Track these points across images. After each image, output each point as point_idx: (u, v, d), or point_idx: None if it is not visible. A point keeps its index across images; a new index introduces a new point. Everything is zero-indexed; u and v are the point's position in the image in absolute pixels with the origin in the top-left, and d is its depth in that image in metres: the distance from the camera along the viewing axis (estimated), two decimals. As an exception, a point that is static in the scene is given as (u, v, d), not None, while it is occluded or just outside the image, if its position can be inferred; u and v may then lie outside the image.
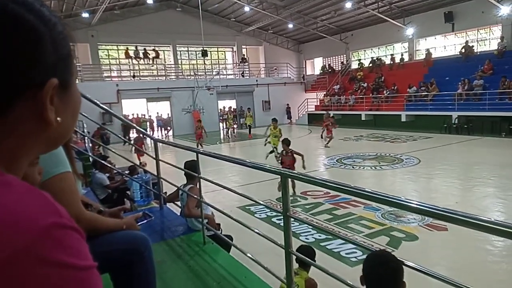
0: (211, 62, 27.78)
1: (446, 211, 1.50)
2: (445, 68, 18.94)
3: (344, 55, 26.90)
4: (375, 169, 10.36)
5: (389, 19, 21.14)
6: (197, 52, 25.39)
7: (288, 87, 27.95)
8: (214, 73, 25.15)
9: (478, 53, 18.56)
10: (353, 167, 10.73)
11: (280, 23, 25.38)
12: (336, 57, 27.78)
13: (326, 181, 2.13)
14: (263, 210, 6.69)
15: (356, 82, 23.76)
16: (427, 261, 4.53)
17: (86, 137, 7.08)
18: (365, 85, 22.85)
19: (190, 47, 26.15)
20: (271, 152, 11.62)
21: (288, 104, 27.41)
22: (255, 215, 6.66)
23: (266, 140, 12.22)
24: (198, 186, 3.67)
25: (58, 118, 0.51)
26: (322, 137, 16.04)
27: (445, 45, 20.85)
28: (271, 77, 28.17)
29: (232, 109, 26.44)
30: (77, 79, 0.60)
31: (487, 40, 19.03)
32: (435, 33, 20.68)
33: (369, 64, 24.43)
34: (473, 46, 18.89)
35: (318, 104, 25.84)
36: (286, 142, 7.99)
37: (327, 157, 12.64)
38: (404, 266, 1.67)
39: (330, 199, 7.22)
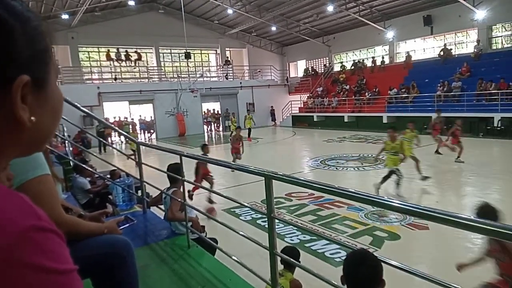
0: (195, 64, 27.66)
1: (427, 209, 1.53)
2: (424, 71, 19.41)
3: (327, 58, 27.22)
4: (358, 170, 10.51)
5: (370, 23, 21.53)
6: (180, 55, 25.25)
7: (272, 89, 28.09)
8: (197, 75, 25.04)
9: (456, 55, 19.10)
10: (336, 168, 10.86)
11: (263, 25, 25.50)
12: (319, 59, 28.09)
13: (310, 182, 2.14)
14: (248, 212, 6.69)
15: (339, 85, 24.07)
16: (409, 259, 4.62)
17: (66, 141, 6.92)
18: (348, 87, 23.18)
19: (173, 49, 26.00)
20: (392, 176, 7.50)
21: (272, 107, 27.56)
22: (240, 217, 6.64)
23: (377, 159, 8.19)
24: (182, 189, 3.64)
25: (32, 118, 0.48)
26: (438, 152, 11.69)
27: (424, 48, 21.37)
28: (255, 79, 28.24)
29: (216, 112, 26.43)
30: (57, 78, 0.58)
31: (464, 43, 19.60)
32: (414, 36, 21.17)
33: (351, 66, 24.81)
34: (451, 49, 19.43)
35: (302, 106, 26.04)
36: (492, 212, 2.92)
37: (311, 159, 12.74)
38: (385, 265, 1.69)
39: (315, 200, 7.28)
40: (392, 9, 20.95)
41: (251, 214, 6.58)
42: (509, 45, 17.57)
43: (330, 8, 20.20)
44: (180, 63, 26.46)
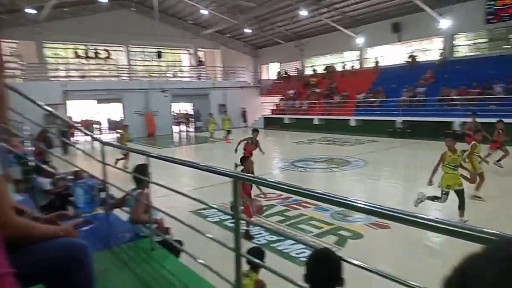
0: (167, 64, 27.24)
1: (388, 210, 1.58)
2: (391, 76, 20.10)
3: (299, 61, 27.59)
4: (325, 171, 10.71)
5: (341, 28, 22.04)
6: (152, 54, 24.81)
7: (244, 91, 28.12)
8: (169, 75, 24.68)
9: (421, 62, 19.89)
10: (305, 170, 11.01)
11: (237, 27, 25.51)
12: (292, 63, 28.44)
13: (276, 183, 2.15)
14: (216, 214, 6.64)
15: (310, 88, 24.45)
16: (371, 258, 4.75)
17: (26, 140, 6.60)
18: (318, 90, 23.59)
19: (145, 48, 25.48)
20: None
21: (244, 108, 27.57)
22: (208, 218, 6.59)
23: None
24: (147, 191, 3.55)
25: None
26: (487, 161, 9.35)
27: (392, 54, 22.11)
28: (228, 80, 28.19)
29: (187, 112, 26.18)
30: (2, 73, 0.53)
31: (429, 51, 20.45)
32: (383, 43, 21.87)
33: (323, 70, 25.28)
34: (416, 56, 20.21)
35: (275, 108, 26.24)
36: None
37: (281, 160, 12.85)
38: (347, 263, 1.72)
39: (283, 201, 7.35)
40: (363, 15, 21.56)
41: (218, 216, 6.54)
42: (470, 54, 18.52)
43: (304, 13, 20.49)
44: (151, 62, 25.98)
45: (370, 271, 1.65)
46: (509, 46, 17.09)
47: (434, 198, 6.22)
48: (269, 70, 31.19)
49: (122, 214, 4.17)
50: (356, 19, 22.10)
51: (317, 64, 26.72)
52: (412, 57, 20.09)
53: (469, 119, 12.44)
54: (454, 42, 19.03)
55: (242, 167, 5.95)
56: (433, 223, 1.34)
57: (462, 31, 18.51)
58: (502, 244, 0.50)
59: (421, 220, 1.38)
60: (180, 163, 3.52)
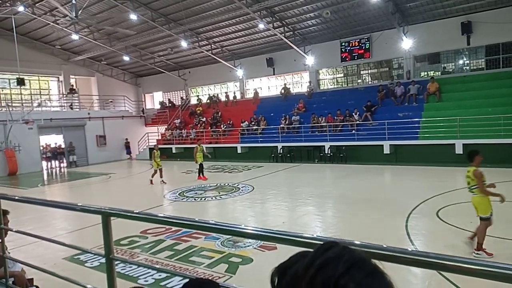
0: (31, 92, 24.13)
1: (273, 232, 1.64)
2: (270, 106, 21.78)
3: (183, 91, 27.66)
4: (215, 199, 10.75)
5: (221, 61, 23.05)
6: (12, 80, 21.69)
7: (126, 120, 26.67)
8: (34, 104, 21.83)
9: (294, 93, 22.10)
10: (195, 199, 10.85)
11: (114, 54, 24.32)
12: (176, 92, 28.30)
13: (150, 215, 2.03)
14: (95, 258, 5.93)
15: (196, 117, 24.63)
16: (260, 282, 4.83)
17: None
18: (204, 119, 23.92)
19: (2, 74, 22.13)
20: None
21: (127, 139, 26.04)
22: (86, 264, 5.83)
23: None
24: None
25: None
26: None
27: (269, 86, 24.03)
28: (106, 110, 26.36)
29: (58, 145, 23.42)
30: None
31: (300, 83, 22.92)
32: (260, 75, 23.66)
33: (207, 100, 25.83)
34: (289, 88, 22.41)
35: (160, 138, 25.47)
36: None
37: (169, 192, 12.42)
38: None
39: (172, 234, 7.03)
40: (240, 50, 23.01)
41: (98, 259, 5.85)
42: (331, 86, 21.40)
43: (183, 44, 20.78)
44: (11, 90, 22.65)
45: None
46: (360, 81, 20.39)
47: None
48: (154, 99, 30.37)
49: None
50: (234, 52, 23.44)
51: (202, 93, 27.19)
52: (286, 88, 22.20)
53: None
54: (319, 76, 21.78)
55: None
56: (312, 241, 1.43)
57: (324, 67, 21.35)
58: (321, 246, 0.63)
59: (302, 239, 1.45)
60: (41, 204, 3.08)
